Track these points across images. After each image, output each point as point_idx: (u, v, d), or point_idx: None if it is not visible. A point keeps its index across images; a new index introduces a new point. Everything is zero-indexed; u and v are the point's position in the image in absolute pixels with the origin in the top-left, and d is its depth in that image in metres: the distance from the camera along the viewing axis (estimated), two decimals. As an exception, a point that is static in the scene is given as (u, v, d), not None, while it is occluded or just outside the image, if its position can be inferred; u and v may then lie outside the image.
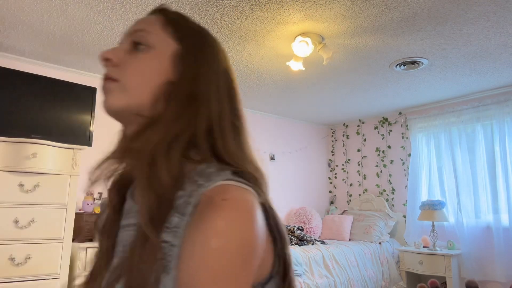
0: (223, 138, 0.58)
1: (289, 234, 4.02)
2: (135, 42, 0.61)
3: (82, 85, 3.29)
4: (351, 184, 5.28)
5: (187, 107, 0.57)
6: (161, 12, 0.66)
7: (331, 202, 5.48)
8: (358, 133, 5.29)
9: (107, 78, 0.60)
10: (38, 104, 3.00)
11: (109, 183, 0.60)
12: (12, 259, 2.50)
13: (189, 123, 0.56)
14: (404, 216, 4.56)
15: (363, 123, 5.25)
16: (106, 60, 0.60)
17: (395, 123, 4.89)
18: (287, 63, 2.92)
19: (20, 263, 2.52)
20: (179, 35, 0.62)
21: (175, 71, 0.60)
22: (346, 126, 5.46)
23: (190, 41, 0.63)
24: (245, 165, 0.56)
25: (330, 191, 5.54)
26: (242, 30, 2.69)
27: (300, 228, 4.21)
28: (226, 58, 0.66)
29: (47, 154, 2.70)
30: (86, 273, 0.60)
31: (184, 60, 0.61)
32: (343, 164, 5.42)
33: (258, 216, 0.47)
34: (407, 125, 4.71)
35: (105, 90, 0.59)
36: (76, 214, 2.92)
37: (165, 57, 0.61)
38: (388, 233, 4.50)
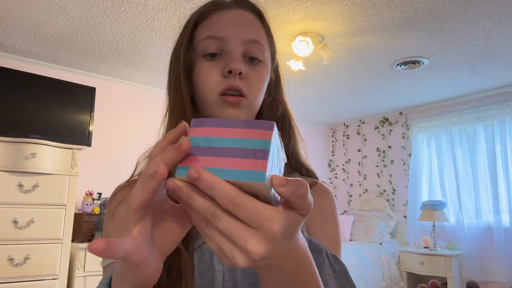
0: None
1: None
2: (252, 57, 0.61)
3: (81, 85, 3.29)
4: (351, 184, 5.27)
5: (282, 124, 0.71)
6: (257, 12, 0.66)
7: (332, 202, 5.47)
8: (358, 133, 5.28)
9: (239, 93, 0.59)
10: (37, 104, 2.99)
11: None
12: (11, 259, 2.49)
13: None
14: (405, 217, 4.55)
15: (363, 123, 5.24)
16: (239, 74, 0.58)
17: (395, 123, 4.87)
18: (287, 63, 2.91)
19: (19, 264, 2.51)
20: (273, 50, 0.67)
21: (269, 86, 0.68)
22: (347, 126, 5.44)
23: (275, 59, 0.69)
24: None
25: (330, 191, 5.52)
26: (242, 30, 2.68)
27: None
28: None
29: (46, 154, 2.69)
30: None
31: (277, 78, 0.71)
32: (343, 164, 5.41)
33: None
34: (407, 125, 4.69)
35: (235, 104, 0.59)
36: (76, 214, 2.91)
37: (269, 73, 0.66)
38: (389, 234, 4.48)
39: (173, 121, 0.63)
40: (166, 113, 0.64)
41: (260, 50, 0.61)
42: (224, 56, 0.60)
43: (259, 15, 0.66)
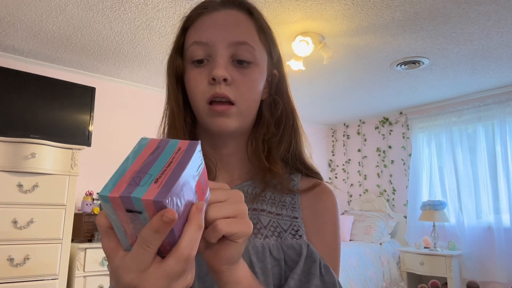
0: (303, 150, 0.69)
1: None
2: (240, 60, 0.58)
3: (81, 84, 3.28)
4: (351, 185, 5.27)
5: (286, 125, 0.66)
6: (246, 10, 0.62)
7: (332, 202, 5.46)
8: (358, 133, 5.27)
9: (226, 100, 0.56)
10: (37, 104, 2.99)
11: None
12: (11, 259, 2.49)
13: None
14: (405, 217, 4.55)
15: (363, 123, 5.24)
16: (224, 80, 0.56)
17: (395, 123, 4.87)
18: (287, 63, 2.91)
19: (19, 264, 2.51)
20: (268, 47, 0.63)
21: (267, 85, 0.65)
22: (347, 126, 5.44)
23: (275, 54, 0.65)
24: None
25: (330, 191, 5.52)
26: (242, 30, 2.67)
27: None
28: None
29: (46, 154, 2.69)
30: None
31: (280, 75, 0.66)
32: (343, 164, 5.41)
33: None
34: (408, 125, 4.69)
35: (223, 113, 0.57)
36: (75, 214, 2.91)
37: (265, 73, 0.62)
38: (389, 234, 4.48)
39: (166, 127, 0.64)
40: (163, 118, 0.65)
41: (249, 52, 0.58)
42: (211, 62, 0.58)
43: (249, 12, 0.62)
